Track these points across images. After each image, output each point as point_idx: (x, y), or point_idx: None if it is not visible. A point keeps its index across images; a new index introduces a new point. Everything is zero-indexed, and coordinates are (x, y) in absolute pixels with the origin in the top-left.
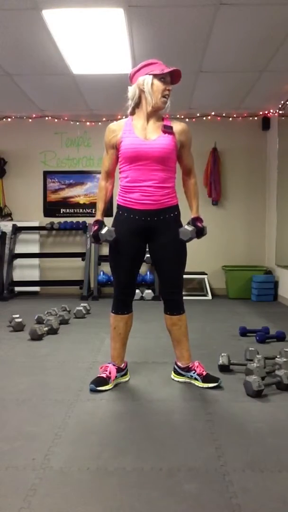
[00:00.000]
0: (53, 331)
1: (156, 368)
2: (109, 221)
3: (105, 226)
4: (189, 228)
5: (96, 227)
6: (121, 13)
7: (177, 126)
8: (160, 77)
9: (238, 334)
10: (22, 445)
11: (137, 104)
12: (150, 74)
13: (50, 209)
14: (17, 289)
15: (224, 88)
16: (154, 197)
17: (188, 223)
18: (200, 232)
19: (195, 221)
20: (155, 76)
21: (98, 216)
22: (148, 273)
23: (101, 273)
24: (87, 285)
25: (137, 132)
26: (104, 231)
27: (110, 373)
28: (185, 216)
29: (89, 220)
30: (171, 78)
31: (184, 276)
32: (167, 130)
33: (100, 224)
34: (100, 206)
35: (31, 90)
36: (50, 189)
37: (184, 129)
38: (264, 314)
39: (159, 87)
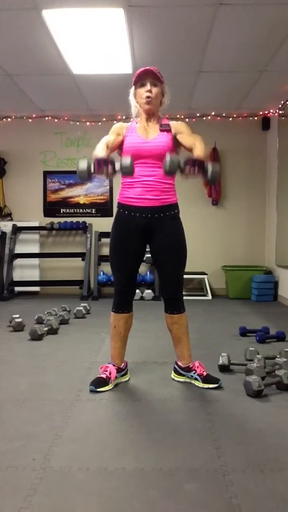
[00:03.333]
0: (53, 331)
1: (156, 368)
2: (109, 221)
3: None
4: (170, 155)
5: (103, 154)
6: (121, 13)
7: (173, 124)
8: (138, 84)
9: (238, 334)
10: (22, 445)
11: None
12: (133, 85)
13: (50, 209)
14: (17, 289)
15: (224, 88)
16: (155, 192)
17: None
18: (199, 164)
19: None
20: (134, 85)
21: (103, 154)
22: (148, 273)
23: (101, 273)
24: (87, 285)
25: (139, 132)
26: (129, 159)
27: (110, 373)
28: (186, 216)
29: (89, 220)
30: (152, 77)
31: (184, 276)
32: (164, 128)
33: (111, 159)
34: (104, 146)
35: (31, 90)
36: (50, 189)
37: (179, 123)
38: (264, 314)
39: (139, 93)
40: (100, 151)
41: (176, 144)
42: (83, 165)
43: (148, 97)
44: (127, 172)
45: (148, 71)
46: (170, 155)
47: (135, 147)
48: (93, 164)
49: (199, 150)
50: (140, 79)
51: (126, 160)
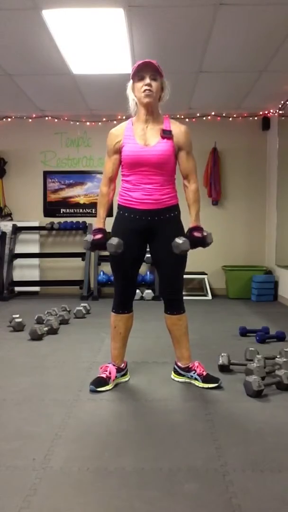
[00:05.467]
0: (53, 331)
1: (156, 368)
2: (109, 222)
3: (113, 237)
4: (180, 240)
5: (100, 236)
6: (121, 13)
7: (175, 129)
8: (136, 78)
9: (238, 334)
10: (22, 445)
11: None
12: (131, 79)
13: (50, 209)
14: (17, 289)
15: (224, 88)
16: (155, 196)
17: (179, 236)
18: (199, 242)
19: (192, 231)
20: (133, 78)
21: (100, 224)
22: (148, 273)
23: (101, 273)
24: (87, 285)
25: (137, 137)
26: (115, 242)
27: (110, 373)
28: (185, 216)
29: (89, 220)
30: (151, 70)
31: (184, 276)
32: (166, 135)
33: (104, 232)
34: (102, 214)
35: (31, 90)
36: (50, 189)
37: (182, 132)
38: (264, 314)
39: (138, 86)
40: (98, 220)
41: (176, 153)
42: (86, 245)
43: (147, 90)
44: (115, 253)
45: (148, 64)
46: (179, 242)
47: (134, 156)
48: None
49: (195, 212)
50: (139, 72)
51: (111, 246)
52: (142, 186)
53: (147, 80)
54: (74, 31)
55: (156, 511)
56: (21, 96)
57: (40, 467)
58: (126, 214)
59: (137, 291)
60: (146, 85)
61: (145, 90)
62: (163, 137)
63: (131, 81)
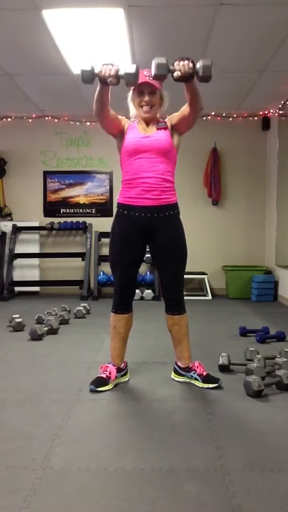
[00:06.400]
0: (53, 331)
1: (156, 368)
2: (109, 221)
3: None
4: (156, 59)
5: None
6: (121, 13)
7: (168, 118)
8: (135, 91)
9: (238, 334)
10: (22, 445)
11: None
12: (131, 90)
13: (50, 209)
14: (17, 289)
15: (224, 88)
16: (155, 192)
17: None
18: (185, 58)
19: None
20: (132, 90)
21: None
22: (148, 273)
23: (101, 273)
24: (87, 285)
25: (139, 129)
26: (134, 67)
27: (110, 373)
28: (186, 216)
29: (89, 220)
30: (150, 85)
31: (184, 276)
32: (161, 126)
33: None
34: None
35: (31, 90)
36: (50, 189)
37: (172, 114)
38: (264, 314)
39: (136, 100)
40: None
41: (174, 137)
42: (87, 65)
43: (145, 107)
44: (130, 80)
45: (147, 84)
46: (157, 58)
47: (136, 142)
48: (99, 67)
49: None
50: (138, 86)
51: (132, 67)
52: (143, 174)
53: (146, 97)
54: (74, 31)
55: (156, 511)
56: (21, 96)
57: (40, 467)
58: (125, 212)
59: (137, 291)
60: (144, 101)
61: (143, 106)
62: (159, 129)
63: (131, 91)
